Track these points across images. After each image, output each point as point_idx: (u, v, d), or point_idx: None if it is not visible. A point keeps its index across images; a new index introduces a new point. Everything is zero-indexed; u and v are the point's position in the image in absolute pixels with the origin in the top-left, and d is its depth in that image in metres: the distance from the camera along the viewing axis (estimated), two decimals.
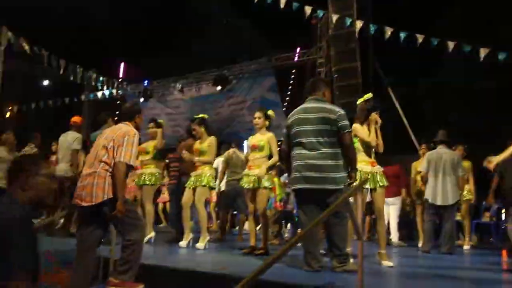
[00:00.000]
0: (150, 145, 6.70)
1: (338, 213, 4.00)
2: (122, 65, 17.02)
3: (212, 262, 4.86)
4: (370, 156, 4.87)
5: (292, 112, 4.40)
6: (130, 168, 3.65)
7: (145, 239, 5.62)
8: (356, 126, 4.91)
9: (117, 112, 6.63)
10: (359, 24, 10.31)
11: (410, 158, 8.23)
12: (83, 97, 15.75)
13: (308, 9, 10.38)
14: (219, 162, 7.80)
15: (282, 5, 10.39)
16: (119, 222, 3.58)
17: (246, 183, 5.58)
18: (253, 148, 5.62)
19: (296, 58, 13.00)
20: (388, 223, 7.61)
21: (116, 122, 4.30)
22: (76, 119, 7.41)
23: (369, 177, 4.74)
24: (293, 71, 13.81)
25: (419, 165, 7.29)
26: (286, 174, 6.96)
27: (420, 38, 9.38)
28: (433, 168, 6.56)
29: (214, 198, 9.07)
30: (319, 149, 4.07)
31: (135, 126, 3.92)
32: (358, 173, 4.68)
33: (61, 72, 13.72)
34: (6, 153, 7.16)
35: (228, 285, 3.15)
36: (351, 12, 10.61)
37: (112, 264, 3.93)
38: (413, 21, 11.21)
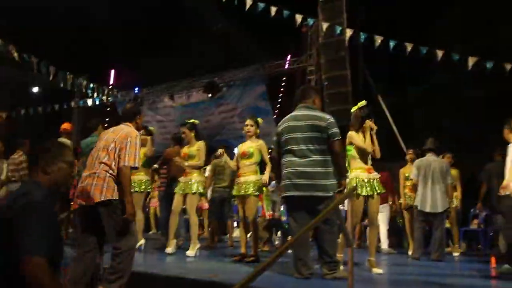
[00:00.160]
0: (140, 152, 6.67)
1: (328, 220, 4.02)
2: (112, 72, 16.98)
3: (202, 269, 4.84)
4: (366, 163, 4.90)
5: (283, 120, 4.43)
6: (134, 168, 3.73)
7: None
8: (351, 133, 4.95)
9: (107, 119, 6.63)
10: (349, 32, 10.40)
11: (399, 165, 8.27)
12: (73, 103, 15.67)
13: (298, 17, 10.46)
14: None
15: (273, 13, 10.46)
16: (110, 227, 3.56)
17: (236, 191, 5.60)
18: (243, 156, 5.62)
19: (286, 66, 13.06)
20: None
21: (108, 127, 4.31)
22: (66, 126, 7.38)
23: (366, 184, 4.77)
24: (284, 78, 13.87)
25: (407, 171, 7.35)
26: (273, 182, 6.98)
27: (409, 46, 9.48)
28: (422, 176, 6.60)
29: (206, 205, 9.06)
30: (309, 157, 4.09)
31: (136, 126, 3.95)
32: (354, 180, 4.72)
33: (51, 78, 13.66)
34: None
35: None
36: (341, 20, 10.69)
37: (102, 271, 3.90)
38: (403, 29, 11.33)
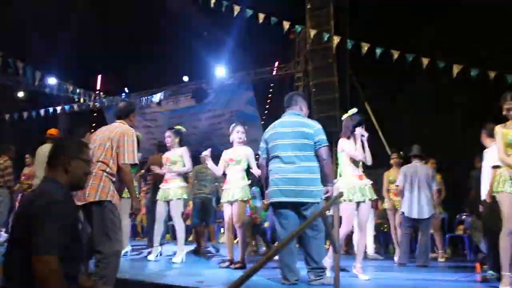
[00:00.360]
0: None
1: (314, 226, 4.03)
2: (99, 77, 16.89)
3: (188, 275, 4.82)
4: (357, 170, 4.93)
5: (270, 126, 4.44)
6: (134, 165, 3.83)
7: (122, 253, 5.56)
8: (342, 141, 5.00)
9: (93, 124, 6.59)
10: (336, 39, 10.48)
11: (386, 171, 8.33)
12: (59, 109, 15.54)
13: (286, 24, 10.51)
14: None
15: (260, 20, 10.50)
16: (99, 228, 3.53)
17: (224, 197, 5.57)
18: (231, 162, 5.62)
19: (274, 72, 13.11)
20: None
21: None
22: (52, 131, 7.30)
23: (357, 190, 4.80)
24: (271, 85, 13.91)
25: (391, 174, 7.40)
26: (253, 188, 7.03)
27: (395, 54, 9.58)
28: (408, 182, 6.66)
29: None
30: (297, 163, 4.11)
31: (130, 124, 3.96)
32: (345, 187, 4.74)
33: (36, 83, 13.54)
34: None
35: None
36: (328, 27, 10.78)
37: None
38: (389, 37, 11.44)
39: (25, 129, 14.49)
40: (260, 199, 8.08)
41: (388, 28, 12.59)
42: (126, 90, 15.36)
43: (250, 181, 5.70)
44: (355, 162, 4.93)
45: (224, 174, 5.77)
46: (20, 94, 15.64)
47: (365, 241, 5.36)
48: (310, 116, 4.69)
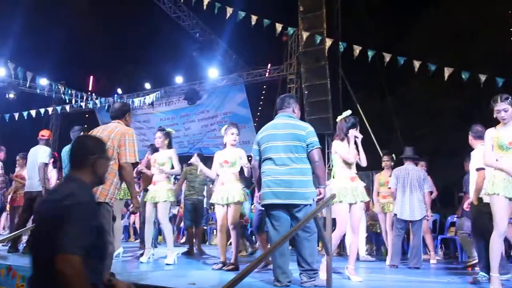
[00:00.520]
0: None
1: (307, 228, 4.03)
2: (91, 78, 16.82)
3: (181, 276, 4.80)
4: (350, 172, 4.95)
5: (262, 128, 4.44)
6: (135, 164, 3.97)
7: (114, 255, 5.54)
8: (335, 142, 5.02)
9: (85, 126, 6.58)
10: (328, 41, 10.52)
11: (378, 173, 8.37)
12: (50, 110, 15.46)
13: (279, 26, 10.54)
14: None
15: (253, 22, 10.52)
16: None
17: (219, 199, 5.53)
18: (225, 164, 5.60)
19: (267, 74, 13.14)
20: None
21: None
22: (44, 132, 7.26)
23: (348, 192, 4.82)
24: (264, 87, 13.94)
25: (382, 177, 7.43)
26: (243, 189, 7.07)
27: (387, 57, 9.63)
28: (401, 184, 6.69)
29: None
30: (289, 165, 4.11)
31: (126, 123, 3.98)
32: (337, 189, 4.75)
33: (28, 84, 13.47)
34: None
35: None
36: (321, 30, 10.81)
37: None
38: (381, 40, 11.52)
39: (16, 130, 14.40)
40: (250, 201, 8.10)
41: (380, 31, 12.67)
42: (119, 91, 15.31)
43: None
44: (347, 164, 4.95)
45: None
46: (11, 95, 15.51)
47: (357, 242, 5.37)
48: (302, 118, 4.70)
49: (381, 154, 8.09)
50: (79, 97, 15.27)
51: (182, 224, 9.69)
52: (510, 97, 4.28)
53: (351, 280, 4.74)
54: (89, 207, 2.22)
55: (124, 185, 6.47)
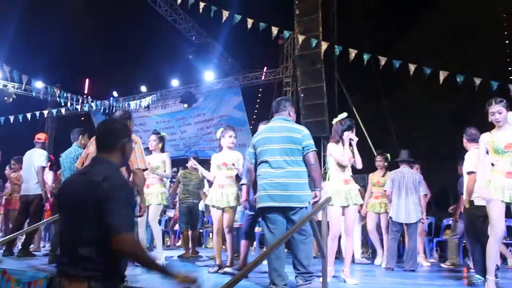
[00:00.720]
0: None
1: (303, 231, 4.04)
2: (87, 81, 16.79)
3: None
4: (344, 174, 4.95)
5: (258, 131, 4.45)
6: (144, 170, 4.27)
7: None
8: (330, 145, 5.03)
9: (82, 129, 6.56)
10: (324, 45, 10.55)
11: None
12: (46, 113, 15.41)
13: (274, 30, 10.56)
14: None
15: (249, 25, 10.54)
16: None
17: (217, 202, 5.52)
18: (224, 166, 5.59)
19: (263, 78, 13.16)
20: None
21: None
22: (40, 136, 7.24)
23: (341, 195, 4.82)
24: (260, 90, 13.95)
25: (375, 177, 7.43)
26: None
27: (382, 60, 9.66)
28: (396, 187, 6.71)
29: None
30: (285, 168, 4.12)
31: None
32: (330, 191, 4.76)
33: (23, 87, 13.43)
34: None
35: None
36: (317, 33, 10.85)
37: None
38: (376, 43, 11.56)
39: (12, 133, 14.36)
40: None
41: (375, 34, 12.72)
42: (115, 94, 15.29)
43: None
44: (342, 166, 4.96)
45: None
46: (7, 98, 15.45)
47: (352, 245, 5.37)
48: (298, 121, 4.71)
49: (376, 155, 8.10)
50: (74, 100, 15.24)
51: (176, 227, 9.66)
52: (504, 100, 4.31)
53: (347, 283, 4.75)
54: (128, 187, 2.35)
55: None
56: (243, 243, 5.50)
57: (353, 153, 5.00)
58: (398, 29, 13.29)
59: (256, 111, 14.53)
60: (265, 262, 4.35)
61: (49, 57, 14.25)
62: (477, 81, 9.36)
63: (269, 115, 4.53)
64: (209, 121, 13.76)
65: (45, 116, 15.61)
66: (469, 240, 5.23)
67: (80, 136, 6.27)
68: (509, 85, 9.60)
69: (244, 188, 4.87)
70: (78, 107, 15.37)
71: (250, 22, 10.60)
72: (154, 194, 5.99)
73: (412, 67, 9.63)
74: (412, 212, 6.57)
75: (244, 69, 13.69)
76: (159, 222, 6.22)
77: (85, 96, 16.02)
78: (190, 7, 11.60)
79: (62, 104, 15.28)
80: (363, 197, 7.17)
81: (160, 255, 5.90)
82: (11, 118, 14.66)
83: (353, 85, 11.99)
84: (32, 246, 7.21)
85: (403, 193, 6.64)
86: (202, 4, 11.03)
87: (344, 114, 5.15)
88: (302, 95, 11.45)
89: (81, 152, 5.80)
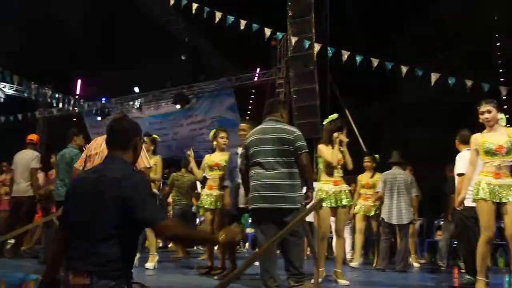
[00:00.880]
0: None
1: (295, 232, 4.03)
2: (79, 82, 16.71)
3: (167, 282, 4.78)
4: (333, 175, 4.96)
5: (251, 133, 4.44)
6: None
7: None
8: (320, 146, 5.03)
9: (72, 129, 6.52)
10: (317, 46, 10.57)
11: None
12: (37, 113, 15.32)
13: (267, 31, 10.57)
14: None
15: (242, 27, 10.54)
16: None
17: (209, 203, 5.51)
18: (216, 167, 5.58)
19: (255, 79, 13.16)
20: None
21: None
22: (32, 136, 7.18)
23: (331, 196, 4.83)
24: (253, 91, 13.94)
25: (363, 178, 7.42)
26: None
27: (375, 62, 9.71)
28: (388, 189, 6.74)
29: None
30: (277, 169, 4.11)
31: None
32: (319, 192, 4.77)
33: (14, 88, 13.34)
34: None
35: None
36: (309, 35, 10.86)
37: None
38: (370, 45, 11.59)
39: (3, 134, 14.24)
40: None
41: (368, 36, 12.76)
42: (107, 95, 15.22)
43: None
44: (332, 167, 4.96)
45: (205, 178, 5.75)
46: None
47: (343, 246, 5.39)
48: (291, 122, 4.71)
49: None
50: (66, 101, 15.15)
51: None
52: (495, 101, 4.36)
53: (339, 283, 4.76)
54: (147, 182, 2.43)
55: None
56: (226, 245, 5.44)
57: (343, 154, 4.99)
58: (390, 31, 13.33)
59: (249, 112, 14.52)
60: (257, 263, 4.36)
61: (40, 58, 14.15)
62: (469, 83, 9.43)
63: (262, 116, 4.51)
64: (201, 122, 13.73)
65: (37, 116, 15.52)
66: (460, 241, 5.27)
67: (75, 136, 6.23)
68: (500, 87, 9.68)
69: (226, 190, 4.91)
70: (70, 108, 15.30)
71: (243, 23, 10.60)
72: None
73: (404, 69, 9.68)
74: (403, 213, 6.60)
75: (237, 70, 13.68)
76: None
77: (77, 97, 15.95)
78: (183, 8, 11.59)
79: (54, 105, 15.21)
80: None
81: (153, 257, 5.87)
82: (2, 118, 14.56)
83: (345, 86, 12.01)
84: (23, 248, 7.16)
85: (395, 194, 6.66)
86: (195, 5, 11.02)
87: (335, 115, 5.15)
88: (294, 96, 11.47)
89: (76, 153, 5.82)
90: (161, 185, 8.24)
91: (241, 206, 4.86)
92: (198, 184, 7.89)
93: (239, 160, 5.03)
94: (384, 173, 7.00)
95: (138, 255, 6.11)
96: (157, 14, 13.60)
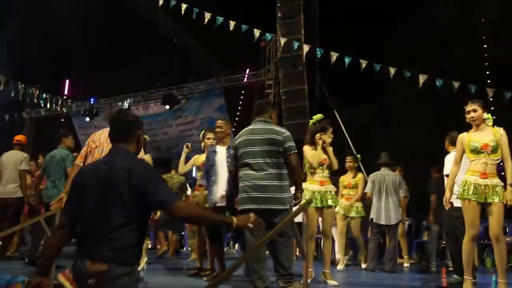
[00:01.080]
0: None
1: (284, 233, 4.04)
2: (67, 82, 16.59)
3: (156, 283, 4.76)
4: (318, 175, 4.97)
5: (239, 134, 4.44)
6: None
7: None
8: (304, 147, 5.03)
9: (61, 130, 6.48)
10: (306, 48, 10.60)
11: None
12: (24, 114, 15.16)
13: (257, 32, 10.58)
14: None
15: (231, 27, 10.53)
16: None
17: (201, 203, 5.49)
18: (203, 168, 5.57)
19: (245, 80, 13.16)
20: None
21: None
22: (20, 137, 7.11)
23: (316, 196, 4.84)
24: (242, 92, 13.94)
25: (345, 179, 7.40)
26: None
27: (363, 63, 9.76)
28: (377, 189, 6.78)
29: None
30: (266, 170, 4.12)
31: None
32: (306, 192, 4.78)
33: (1, 88, 13.20)
34: None
35: None
36: (299, 36, 10.89)
37: None
38: (358, 46, 11.65)
39: None
40: None
41: (357, 38, 12.82)
42: (95, 95, 15.12)
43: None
44: (314, 168, 4.97)
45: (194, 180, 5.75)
46: None
47: (331, 247, 5.40)
48: (280, 123, 4.72)
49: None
50: (54, 101, 15.01)
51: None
52: (482, 101, 4.42)
53: (328, 284, 4.77)
54: (154, 168, 2.57)
55: None
56: (211, 247, 5.37)
57: (328, 154, 5.00)
58: (378, 33, 13.41)
59: (238, 113, 14.51)
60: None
61: (28, 58, 14.02)
62: (456, 84, 9.52)
63: (251, 117, 4.51)
64: (191, 123, 13.70)
65: (24, 117, 15.36)
66: (449, 241, 5.31)
67: (64, 138, 6.18)
68: (487, 89, 9.78)
69: (201, 189, 4.90)
70: (58, 108, 15.17)
71: (232, 24, 10.60)
72: None
73: (392, 70, 9.74)
74: (392, 213, 6.64)
75: (226, 71, 13.67)
76: None
77: (65, 97, 15.83)
78: (172, 9, 11.56)
79: (41, 105, 15.07)
80: None
81: (143, 259, 5.83)
82: None
83: (334, 87, 12.05)
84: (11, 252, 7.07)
85: (383, 195, 6.71)
86: (184, 6, 10.99)
87: (320, 116, 5.15)
88: (284, 97, 11.49)
89: (67, 153, 5.93)
90: None
91: (218, 205, 4.83)
92: (188, 186, 7.90)
93: (216, 158, 5.04)
94: (372, 173, 7.04)
95: None
96: (146, 14, 13.54)
